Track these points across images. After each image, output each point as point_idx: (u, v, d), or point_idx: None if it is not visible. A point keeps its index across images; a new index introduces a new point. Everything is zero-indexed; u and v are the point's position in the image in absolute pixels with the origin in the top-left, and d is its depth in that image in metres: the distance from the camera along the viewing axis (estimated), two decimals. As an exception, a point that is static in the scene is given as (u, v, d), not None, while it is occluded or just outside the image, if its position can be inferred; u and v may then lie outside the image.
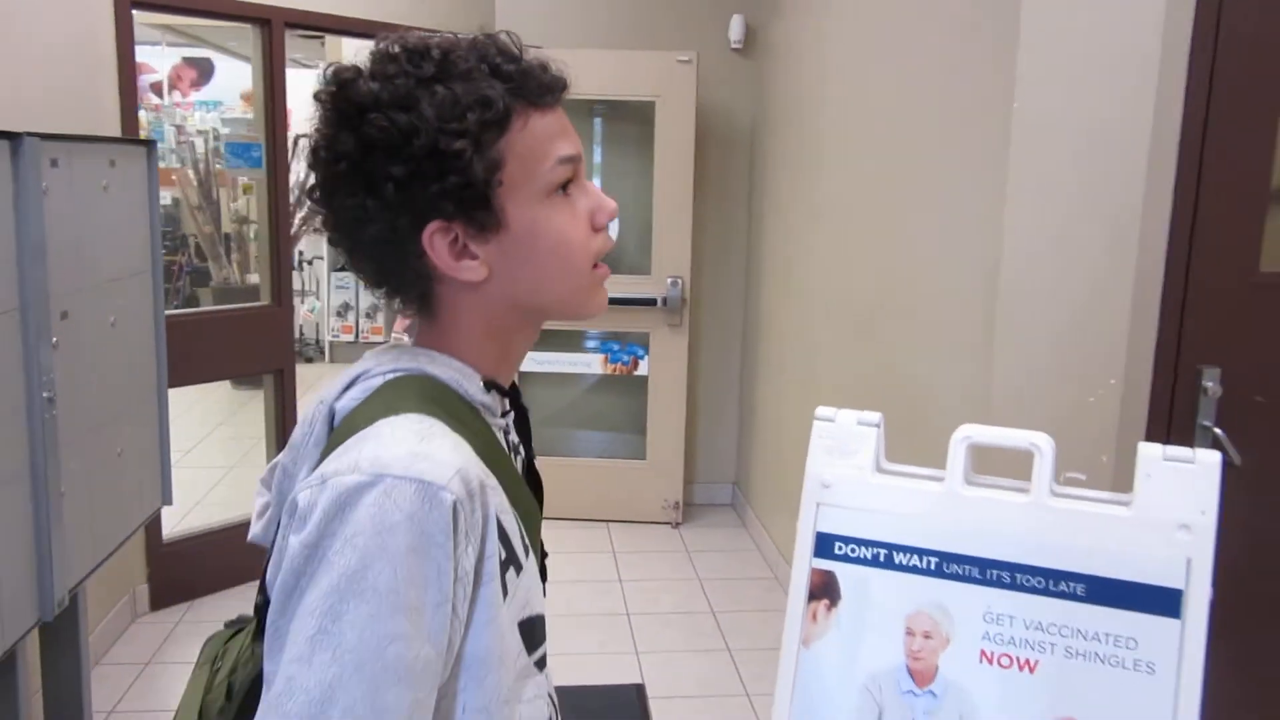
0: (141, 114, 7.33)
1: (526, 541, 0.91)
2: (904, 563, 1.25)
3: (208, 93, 8.04)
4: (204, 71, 8.05)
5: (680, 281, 4.32)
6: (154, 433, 2.57)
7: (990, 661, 1.19)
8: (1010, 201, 1.94)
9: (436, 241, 0.88)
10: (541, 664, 0.94)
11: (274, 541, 0.87)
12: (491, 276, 0.90)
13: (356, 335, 7.73)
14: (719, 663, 3.19)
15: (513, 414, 1.03)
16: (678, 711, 2.90)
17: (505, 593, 0.86)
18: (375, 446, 0.81)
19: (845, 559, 1.28)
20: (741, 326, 4.66)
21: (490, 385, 0.94)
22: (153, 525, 3.42)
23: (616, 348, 4.52)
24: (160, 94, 7.89)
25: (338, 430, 0.88)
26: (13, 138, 1.88)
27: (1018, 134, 1.92)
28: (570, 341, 4.52)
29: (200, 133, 7.41)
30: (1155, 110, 1.86)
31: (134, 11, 3.18)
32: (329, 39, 7.44)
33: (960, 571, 1.23)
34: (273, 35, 3.61)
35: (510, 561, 0.87)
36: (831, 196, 3.29)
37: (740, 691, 3.02)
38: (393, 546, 0.76)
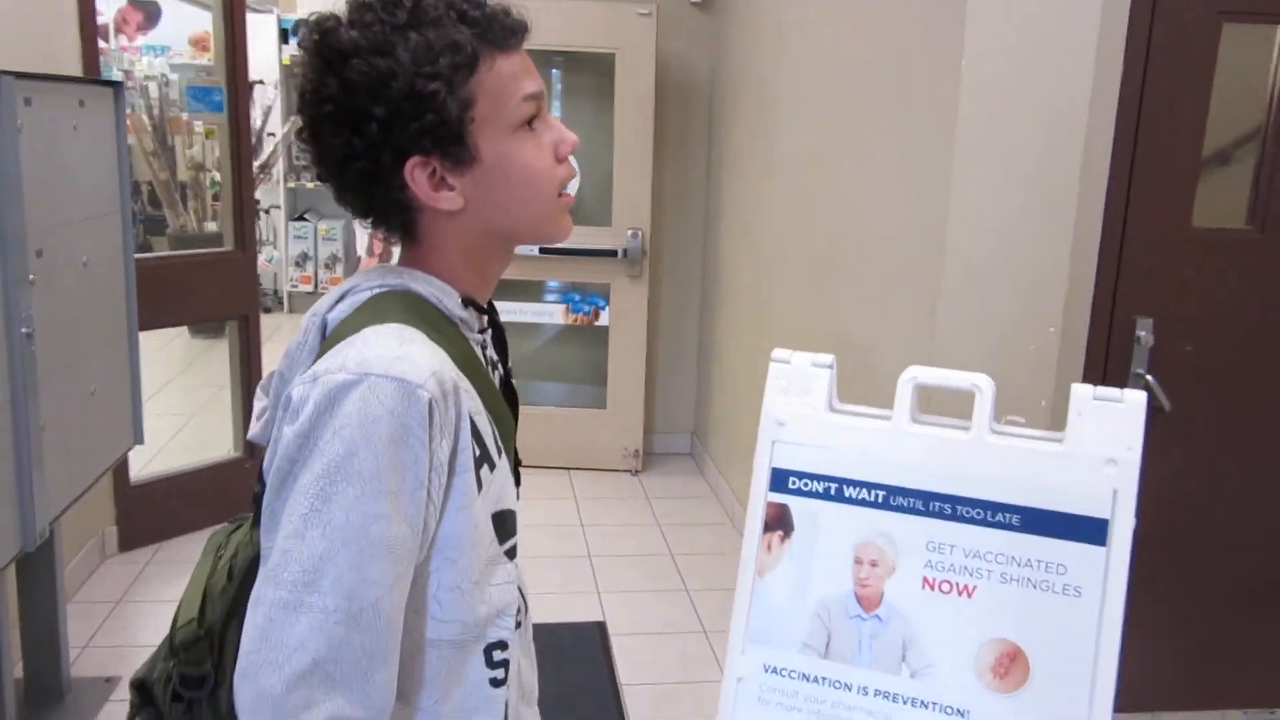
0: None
1: (500, 443, 1.01)
2: (853, 496, 1.34)
3: (154, 37, 7.85)
4: (150, 15, 7.86)
5: (640, 233, 4.37)
6: (125, 374, 2.60)
7: (932, 588, 1.28)
8: (957, 159, 2.02)
9: (417, 174, 0.96)
10: (511, 554, 1.04)
11: (271, 437, 0.96)
12: (467, 205, 0.99)
13: (315, 286, 7.68)
14: (677, 602, 3.30)
15: (490, 332, 1.12)
16: (637, 647, 3.01)
17: (480, 486, 0.96)
18: (361, 349, 0.90)
19: (798, 493, 1.36)
20: (700, 278, 4.73)
21: (468, 302, 1.03)
22: (120, 469, 3.44)
23: (578, 298, 4.58)
24: (106, 38, 7.70)
25: (329, 338, 0.97)
26: (-14, 77, 1.89)
27: (965, 93, 1.99)
28: (532, 292, 4.57)
29: (150, 78, 7.26)
30: (1095, 73, 1.94)
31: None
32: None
33: (905, 504, 1.32)
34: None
35: (484, 459, 0.97)
36: (786, 151, 3.35)
37: (698, 629, 3.14)
38: (375, 437, 0.86)
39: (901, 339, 2.34)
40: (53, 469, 2.14)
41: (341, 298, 1.01)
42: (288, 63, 7.45)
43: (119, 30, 7.81)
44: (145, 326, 2.83)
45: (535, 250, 4.35)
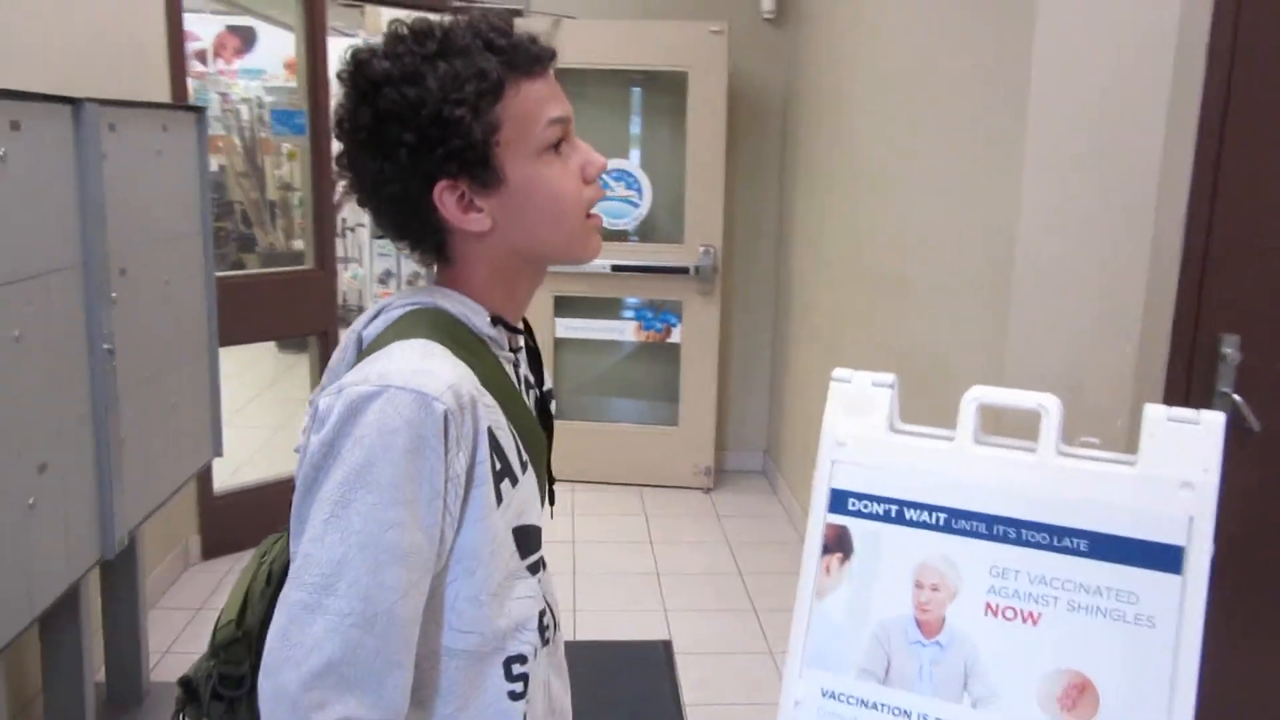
0: (188, 81, 7.41)
1: (525, 459, 1.04)
2: (914, 518, 1.31)
3: (251, 61, 8.12)
4: (247, 39, 8.13)
5: (712, 250, 4.36)
6: (205, 387, 2.68)
7: (995, 614, 1.25)
8: (1028, 168, 1.97)
9: (445, 198, 0.99)
10: (535, 569, 1.06)
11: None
12: (495, 227, 1.02)
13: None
14: (745, 621, 3.27)
15: (524, 351, 1.15)
16: (703, 667, 2.98)
17: (500, 499, 0.99)
18: (384, 363, 0.94)
19: (858, 514, 1.34)
20: (773, 294, 4.70)
21: (496, 320, 1.06)
22: (204, 480, 3.55)
23: (650, 315, 4.59)
24: (205, 62, 7.99)
25: (363, 353, 1.01)
26: (74, 103, 1.97)
27: (1035, 100, 1.94)
28: (604, 309, 4.59)
29: (244, 101, 7.50)
30: (1175, 74, 1.87)
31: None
32: (368, 8, 7.50)
33: (968, 527, 1.29)
34: (314, 4, 3.69)
35: (505, 473, 1.00)
36: (856, 165, 3.32)
37: (764, 649, 3.10)
38: (393, 447, 0.90)
39: (971, 356, 2.29)
40: (132, 480, 2.21)
41: (377, 314, 1.05)
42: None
43: (217, 54, 8.10)
44: (228, 342, 2.92)
45: (607, 267, 4.37)
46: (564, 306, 4.53)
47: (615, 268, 4.40)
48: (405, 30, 0.99)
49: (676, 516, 4.21)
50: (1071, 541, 1.24)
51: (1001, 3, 2.14)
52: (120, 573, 2.47)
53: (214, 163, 7.03)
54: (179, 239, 2.49)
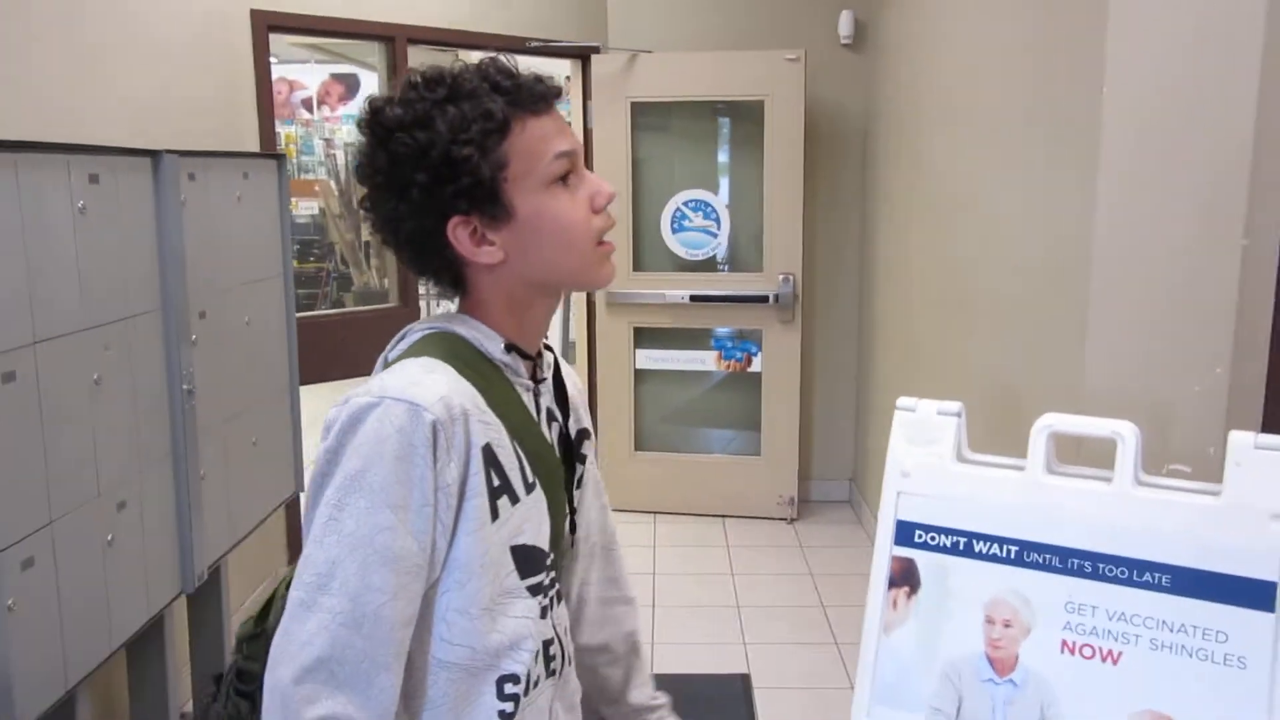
0: (294, 129, 7.70)
1: (532, 480, 1.08)
2: (984, 551, 1.26)
3: (355, 106, 8.41)
4: (350, 86, 8.42)
5: (792, 278, 4.32)
6: (287, 424, 2.75)
7: (1072, 651, 1.19)
8: (1102, 187, 1.90)
9: (459, 233, 1.04)
10: (537, 590, 1.08)
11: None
12: (508, 258, 1.07)
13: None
14: (826, 656, 3.19)
15: (547, 384, 1.18)
16: (783, 702, 2.92)
17: (496, 515, 1.03)
18: (386, 377, 1.00)
19: (925, 546, 1.29)
20: (856, 321, 4.63)
21: (510, 348, 1.10)
22: (293, 511, 3.63)
23: (730, 344, 4.56)
24: (311, 109, 8.30)
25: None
26: (153, 154, 2.05)
27: (1109, 117, 1.88)
28: (684, 339, 4.58)
29: (346, 145, 7.77)
30: (1261, 81, 1.79)
31: (270, 34, 3.40)
32: (460, 52, 7.70)
33: (1041, 560, 1.23)
34: (396, 51, 3.80)
35: (503, 490, 1.04)
36: (934, 189, 3.25)
37: (846, 685, 3.02)
38: (386, 453, 0.95)
39: (1048, 382, 2.21)
40: (213, 516, 2.28)
41: (401, 339, 1.11)
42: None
43: (322, 102, 8.43)
44: (310, 380, 2.99)
45: (686, 297, 4.36)
46: (644, 337, 4.54)
47: (694, 298, 4.39)
48: (418, 79, 1.04)
49: (759, 547, 4.15)
50: (1153, 576, 1.18)
51: (1073, 25, 2.08)
52: (206, 605, 2.53)
53: (314, 206, 7.29)
54: (260, 281, 2.57)
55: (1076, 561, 1.23)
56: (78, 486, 1.80)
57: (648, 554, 4.08)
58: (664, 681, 3.03)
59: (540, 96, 1.07)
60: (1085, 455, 1.33)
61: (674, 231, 4.45)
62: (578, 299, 4.70)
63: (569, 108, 4.71)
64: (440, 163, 1.01)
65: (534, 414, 1.13)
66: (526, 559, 1.07)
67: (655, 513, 4.51)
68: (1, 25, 2.10)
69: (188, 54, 2.90)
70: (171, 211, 2.06)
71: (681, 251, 4.46)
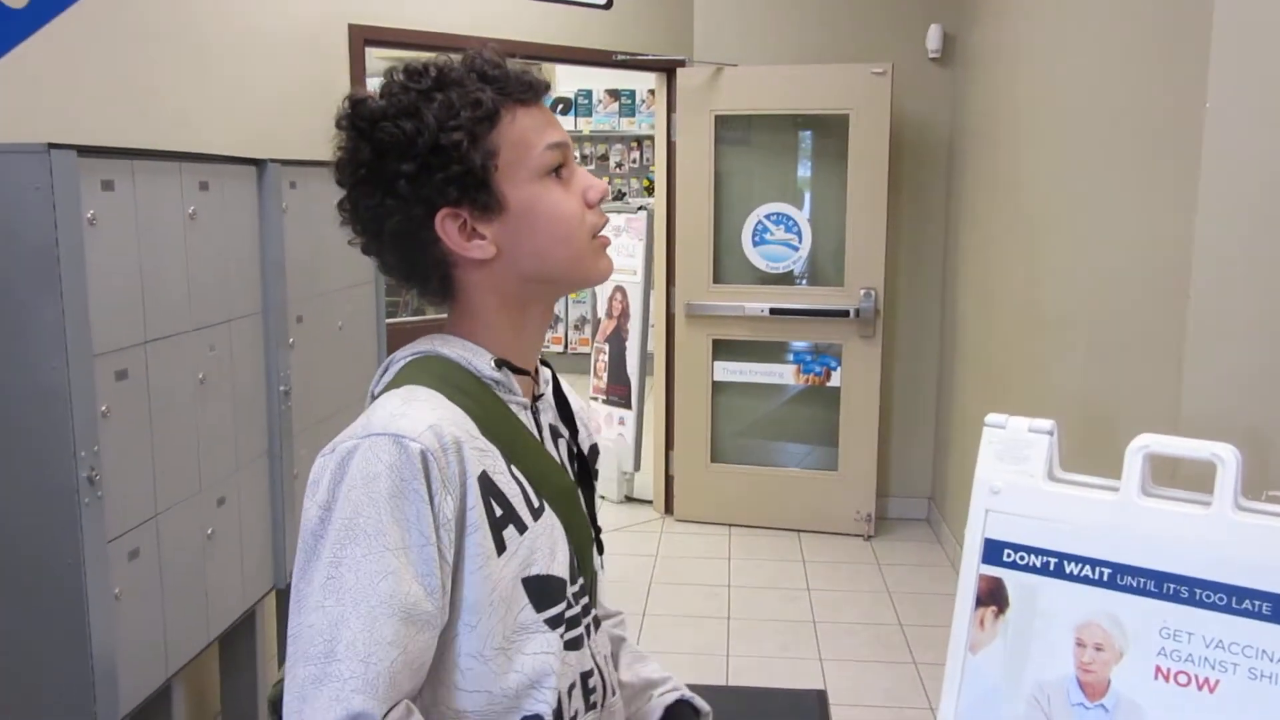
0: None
1: (539, 504, 1.01)
2: (1075, 572, 1.24)
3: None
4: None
5: (873, 293, 4.28)
6: (374, 428, 2.81)
7: (1167, 678, 1.16)
8: (1203, 203, 1.85)
9: (448, 225, 1.00)
10: (557, 623, 1.01)
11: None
12: (500, 253, 1.02)
13: (565, 346, 8.03)
14: (904, 675, 3.15)
15: (547, 398, 1.13)
16: (858, 719, 2.90)
17: (503, 547, 0.96)
18: (369, 415, 0.94)
19: (1014, 566, 1.28)
20: (938, 338, 4.56)
21: (501, 363, 1.04)
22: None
23: (809, 358, 4.53)
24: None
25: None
26: (258, 163, 2.13)
27: (1211, 131, 1.83)
28: (763, 352, 4.57)
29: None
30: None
31: (367, 49, 3.49)
32: (543, 65, 7.80)
33: (1135, 584, 1.21)
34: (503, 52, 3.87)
35: (508, 519, 0.97)
36: (1022, 204, 3.20)
37: (924, 705, 2.98)
38: (377, 493, 0.88)
39: (1140, 402, 2.16)
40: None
41: (384, 370, 1.06)
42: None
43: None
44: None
45: (766, 310, 4.36)
46: (722, 350, 4.54)
47: (774, 311, 4.38)
48: (400, 74, 1.01)
49: (835, 563, 4.11)
50: (1252, 604, 1.15)
51: (1174, 36, 2.04)
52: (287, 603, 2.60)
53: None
54: (353, 287, 2.65)
55: (1172, 586, 1.20)
56: (182, 481, 1.87)
57: (723, 566, 4.08)
58: (738, 694, 3.03)
59: (529, 86, 1.03)
60: (1180, 478, 1.30)
61: (755, 244, 4.45)
62: (655, 310, 4.72)
63: (652, 120, 4.74)
64: (428, 151, 0.96)
65: (534, 432, 1.07)
66: (542, 590, 0.99)
67: (730, 525, 4.51)
68: (119, 31, 2.20)
69: (289, 66, 2.99)
70: (274, 218, 2.14)
71: (762, 264, 4.46)
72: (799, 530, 4.45)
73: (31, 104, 2.03)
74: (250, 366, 2.11)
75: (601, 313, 5.11)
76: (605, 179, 8.11)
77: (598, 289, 5.15)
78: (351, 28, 3.37)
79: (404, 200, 0.98)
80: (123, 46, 2.22)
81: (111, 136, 2.06)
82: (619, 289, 4.98)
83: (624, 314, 4.95)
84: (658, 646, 3.35)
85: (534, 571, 0.99)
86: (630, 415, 4.84)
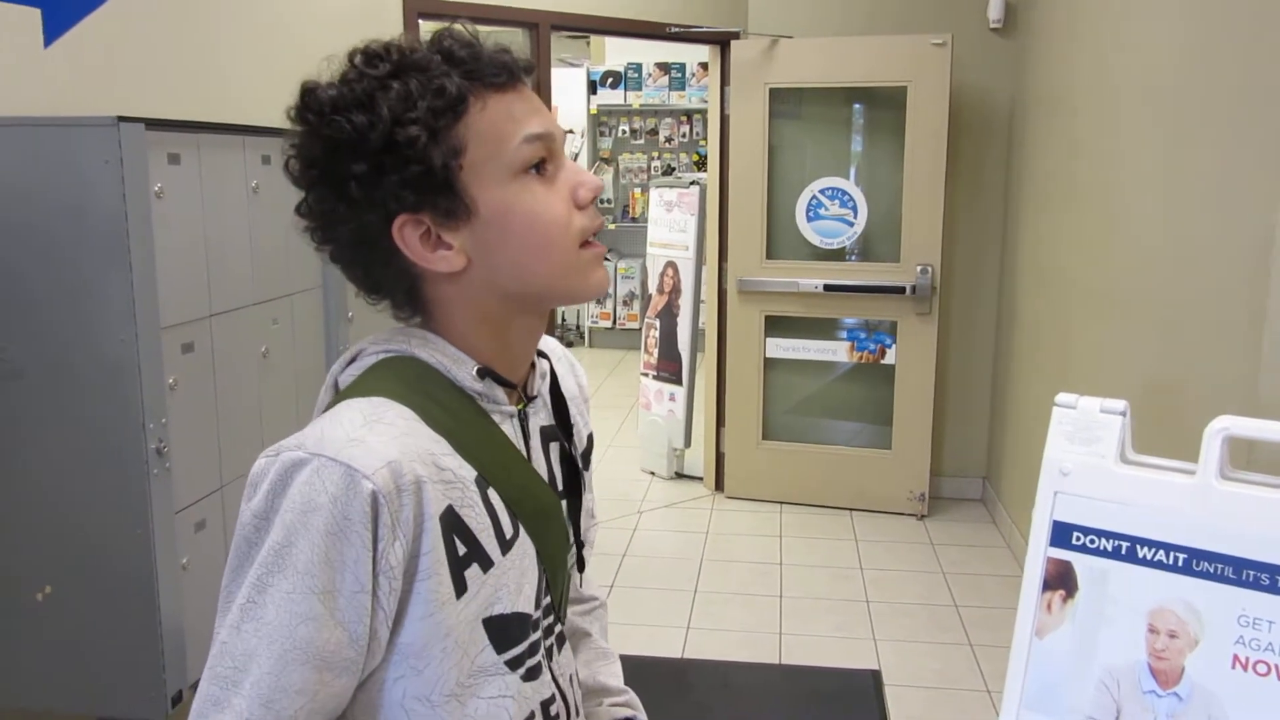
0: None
1: (514, 533, 0.91)
2: (1148, 557, 1.21)
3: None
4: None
5: (930, 269, 4.22)
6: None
7: (1245, 668, 1.13)
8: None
9: (407, 234, 0.88)
10: (517, 664, 0.93)
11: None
12: (471, 265, 0.90)
13: (614, 321, 8.04)
14: (960, 656, 3.12)
15: (542, 397, 1.03)
16: (915, 700, 2.87)
17: (463, 589, 0.86)
18: (325, 425, 0.83)
19: (1083, 549, 1.25)
20: (995, 315, 4.49)
21: (485, 373, 0.93)
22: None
23: (863, 335, 4.49)
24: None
25: (333, 401, 0.91)
26: (319, 138, 2.14)
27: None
28: (816, 329, 4.53)
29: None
30: None
31: (421, 21, 3.49)
32: (593, 38, 7.78)
33: (1211, 570, 1.18)
34: (539, 37, 3.85)
35: (472, 558, 0.87)
36: (1089, 179, 3.12)
37: (980, 686, 2.95)
38: (314, 526, 0.79)
39: (1215, 383, 2.10)
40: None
41: (353, 359, 0.95)
42: (594, 113, 7.91)
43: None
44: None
45: (820, 286, 4.31)
46: (775, 326, 4.50)
47: (828, 287, 4.33)
48: (359, 56, 0.90)
49: (888, 542, 4.08)
50: (1336, 592, 1.11)
51: (1260, 1, 1.96)
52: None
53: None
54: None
55: (1252, 573, 1.17)
56: (246, 454, 1.90)
57: (774, 544, 4.07)
58: (792, 673, 3.03)
59: (504, 68, 0.89)
60: (1256, 462, 1.26)
61: (809, 220, 4.40)
62: (707, 286, 4.70)
63: (705, 94, 4.68)
64: (381, 148, 0.84)
65: (521, 445, 0.97)
66: (503, 631, 0.91)
67: (781, 503, 4.49)
68: (177, 3, 2.21)
69: (343, 39, 3.00)
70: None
71: (816, 240, 4.41)
72: (851, 509, 4.42)
73: (87, 77, 2.05)
74: (311, 340, 2.12)
75: (652, 288, 5.10)
76: (655, 154, 8.14)
77: (649, 264, 5.13)
78: (405, 0, 3.37)
79: (355, 204, 0.86)
80: (182, 18, 2.24)
81: (169, 110, 2.07)
82: (670, 264, 4.96)
83: (675, 290, 4.92)
84: (709, 624, 3.36)
85: (496, 611, 0.90)
86: (681, 391, 4.83)
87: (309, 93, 0.88)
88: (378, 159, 0.85)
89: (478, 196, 0.88)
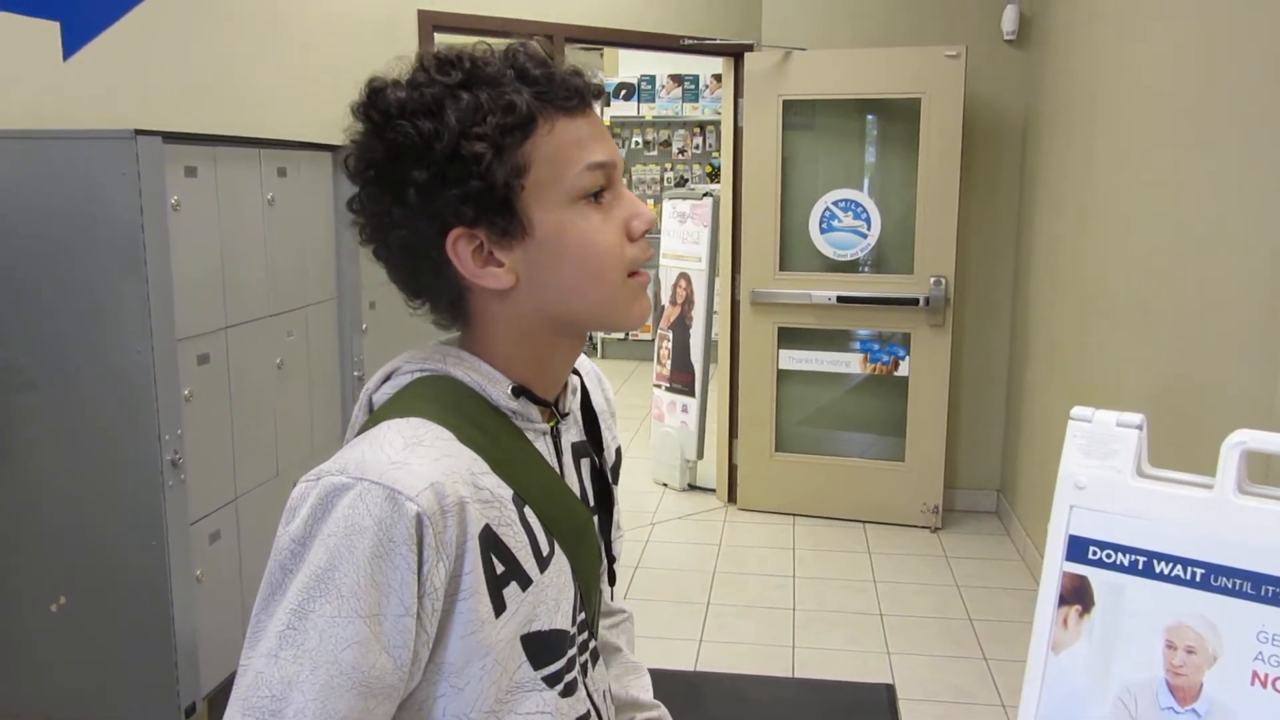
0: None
1: (551, 550, 0.91)
2: (1165, 572, 1.20)
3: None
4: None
5: (944, 281, 4.21)
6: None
7: (1264, 685, 1.12)
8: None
9: (460, 248, 0.88)
10: (554, 680, 0.92)
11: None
12: (520, 284, 0.90)
13: (626, 334, 8.04)
14: (975, 670, 3.10)
15: (574, 414, 1.03)
16: (929, 715, 2.85)
17: (502, 608, 0.86)
18: (365, 449, 0.83)
19: (1099, 564, 1.24)
20: (1009, 327, 4.47)
21: (520, 391, 0.93)
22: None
23: (876, 347, 4.47)
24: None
25: (368, 421, 0.91)
26: (334, 149, 2.15)
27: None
28: (829, 341, 4.52)
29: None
30: None
31: (436, 34, 3.51)
32: (605, 50, 7.80)
33: (1230, 585, 1.17)
34: (553, 50, 3.87)
35: (512, 576, 0.87)
36: (1105, 190, 3.11)
37: (995, 701, 2.93)
38: (359, 549, 0.78)
39: (1231, 397, 2.08)
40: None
41: (388, 377, 0.95)
42: (607, 124, 7.93)
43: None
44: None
45: (833, 298, 4.30)
46: (787, 338, 4.50)
47: (841, 299, 4.32)
48: (431, 60, 0.88)
49: (901, 555, 4.06)
50: (1357, 609, 1.10)
51: (1274, 9, 1.96)
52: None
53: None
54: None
55: (1271, 589, 1.15)
56: (260, 465, 1.90)
57: (787, 556, 4.05)
58: (804, 686, 3.01)
59: (576, 92, 0.89)
60: (1275, 476, 1.25)
61: (823, 231, 4.40)
62: (720, 297, 4.69)
63: (718, 105, 4.69)
64: (446, 159, 0.84)
65: (553, 462, 0.97)
66: (542, 648, 0.91)
67: (794, 515, 4.47)
68: (196, 16, 2.23)
69: (359, 51, 3.02)
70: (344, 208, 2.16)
71: (830, 252, 4.40)
72: (864, 521, 4.40)
73: (106, 90, 2.07)
74: (325, 352, 2.13)
75: (665, 300, 5.10)
76: (668, 165, 8.15)
77: (662, 276, 5.14)
78: (421, 13, 3.39)
79: (413, 212, 0.86)
80: (199, 32, 2.26)
81: (186, 123, 2.09)
82: (683, 275, 4.96)
83: (688, 301, 4.92)
84: (721, 636, 3.34)
85: (535, 628, 0.90)
86: (694, 403, 4.82)
87: (377, 92, 0.88)
88: (440, 169, 0.85)
89: (535, 218, 0.88)
